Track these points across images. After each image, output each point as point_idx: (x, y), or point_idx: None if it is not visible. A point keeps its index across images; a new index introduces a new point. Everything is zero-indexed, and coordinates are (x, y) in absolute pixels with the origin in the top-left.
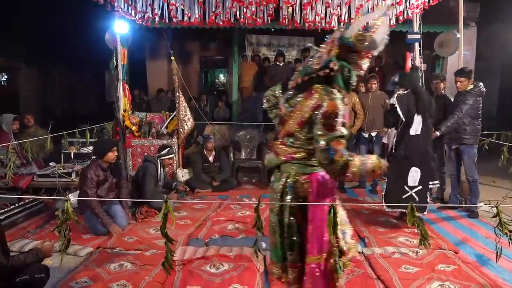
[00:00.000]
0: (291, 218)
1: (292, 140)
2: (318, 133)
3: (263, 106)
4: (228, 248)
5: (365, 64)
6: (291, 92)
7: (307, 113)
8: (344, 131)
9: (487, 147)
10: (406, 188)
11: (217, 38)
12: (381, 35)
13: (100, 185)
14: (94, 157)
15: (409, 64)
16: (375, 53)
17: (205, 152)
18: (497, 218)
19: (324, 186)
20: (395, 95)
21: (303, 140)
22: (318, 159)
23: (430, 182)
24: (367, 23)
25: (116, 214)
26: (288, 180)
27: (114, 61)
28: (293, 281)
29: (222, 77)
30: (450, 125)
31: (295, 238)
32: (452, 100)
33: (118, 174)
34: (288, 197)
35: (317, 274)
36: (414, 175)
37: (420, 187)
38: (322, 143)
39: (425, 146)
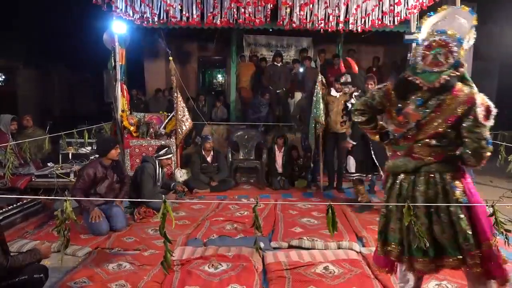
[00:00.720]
0: (460, 213)
1: (442, 139)
2: (480, 124)
3: (357, 120)
4: (227, 248)
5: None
6: (420, 97)
7: (459, 109)
8: None
9: None
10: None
11: (215, 38)
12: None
13: (98, 183)
14: (97, 155)
15: (355, 67)
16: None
17: (203, 153)
18: (494, 217)
19: (466, 177)
20: (354, 95)
21: (453, 137)
22: (468, 151)
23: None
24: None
25: (116, 214)
26: (445, 178)
27: (112, 61)
28: (475, 266)
29: (220, 77)
30: None
31: (467, 230)
32: None
33: (120, 172)
34: (458, 194)
35: (498, 254)
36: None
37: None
38: (485, 134)
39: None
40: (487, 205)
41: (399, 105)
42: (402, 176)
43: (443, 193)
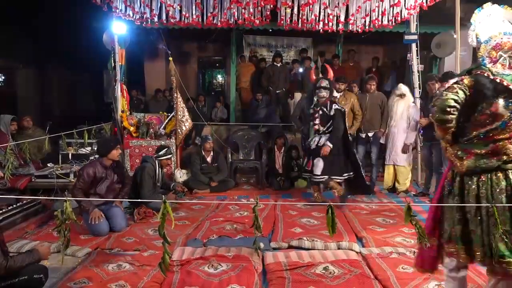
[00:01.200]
0: None
1: None
2: None
3: (448, 118)
4: (226, 249)
5: None
6: (507, 97)
7: None
8: None
9: None
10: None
11: (212, 38)
12: None
13: (99, 182)
14: (97, 156)
15: (331, 73)
16: None
17: (203, 153)
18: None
19: None
20: (337, 100)
21: None
22: None
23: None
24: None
25: (116, 215)
26: None
27: (112, 61)
28: None
29: (220, 78)
30: None
31: None
32: None
33: (120, 173)
34: None
35: None
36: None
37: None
38: None
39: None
40: (485, 205)
41: (483, 104)
42: (479, 175)
43: None
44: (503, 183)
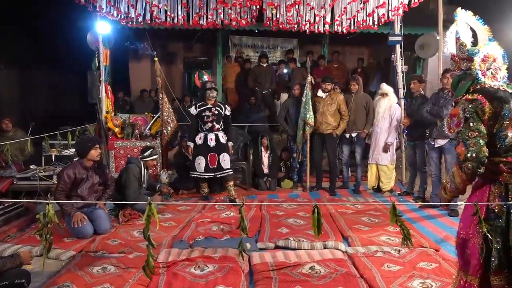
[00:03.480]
0: None
1: None
2: None
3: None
4: (213, 250)
5: None
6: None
7: None
8: None
9: None
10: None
11: (196, 37)
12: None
13: (80, 184)
14: (77, 158)
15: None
16: None
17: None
18: (477, 216)
19: None
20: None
21: None
22: None
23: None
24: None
25: (99, 217)
26: None
27: (96, 62)
28: None
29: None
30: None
31: None
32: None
33: (102, 174)
34: None
35: None
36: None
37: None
38: None
39: None
40: (467, 203)
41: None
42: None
43: None
44: None
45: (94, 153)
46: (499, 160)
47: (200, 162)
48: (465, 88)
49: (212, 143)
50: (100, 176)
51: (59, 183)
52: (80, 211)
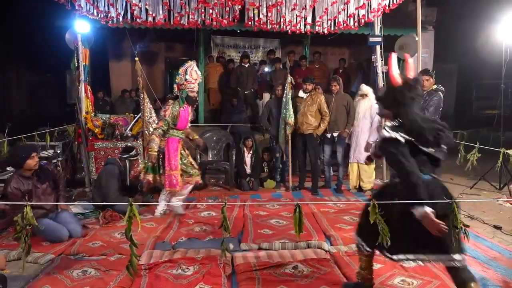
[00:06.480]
0: None
1: None
2: None
3: None
4: (196, 251)
5: None
6: None
7: None
8: None
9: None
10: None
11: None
12: None
13: (29, 196)
14: (13, 169)
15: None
16: None
17: None
18: (453, 213)
19: None
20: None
21: None
22: None
23: None
24: None
25: (67, 220)
26: None
27: (75, 61)
28: None
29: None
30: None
31: None
32: None
33: (48, 176)
34: None
35: None
36: None
37: None
38: None
39: None
40: (445, 202)
41: None
42: None
43: None
44: None
45: (31, 163)
46: None
47: None
48: None
49: None
50: (47, 179)
51: (11, 199)
52: (45, 218)
